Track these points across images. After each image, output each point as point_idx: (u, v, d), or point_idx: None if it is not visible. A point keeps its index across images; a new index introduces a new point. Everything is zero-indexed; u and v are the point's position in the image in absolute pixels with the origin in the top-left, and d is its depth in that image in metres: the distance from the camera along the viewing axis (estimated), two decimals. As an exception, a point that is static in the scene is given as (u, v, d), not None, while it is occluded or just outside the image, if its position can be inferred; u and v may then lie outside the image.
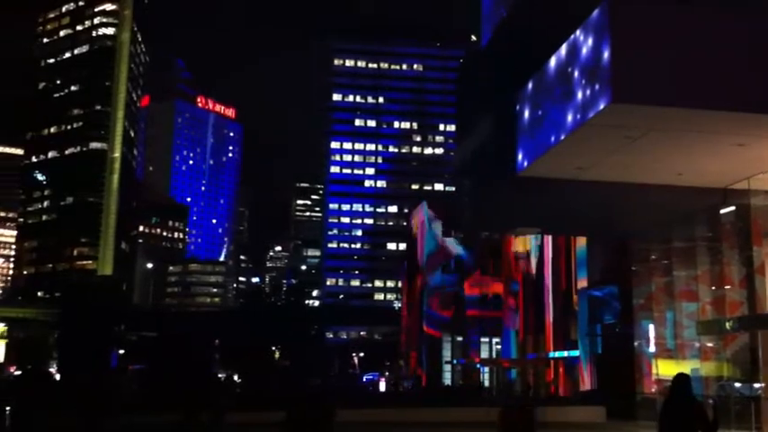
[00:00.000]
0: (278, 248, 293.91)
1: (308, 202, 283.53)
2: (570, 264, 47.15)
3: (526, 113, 23.42)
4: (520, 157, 23.74)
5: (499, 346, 68.49)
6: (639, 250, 35.16)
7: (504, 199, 29.14)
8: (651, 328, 34.19)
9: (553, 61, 21.13)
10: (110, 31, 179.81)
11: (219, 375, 71.18)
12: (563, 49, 20.38)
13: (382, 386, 73.92)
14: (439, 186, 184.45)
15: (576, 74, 19.25)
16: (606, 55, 17.35)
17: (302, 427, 12.22)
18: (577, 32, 19.23)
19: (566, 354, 48.39)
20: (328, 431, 12.30)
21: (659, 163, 22.07)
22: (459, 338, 75.39)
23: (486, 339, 71.13)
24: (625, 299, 36.59)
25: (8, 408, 26.51)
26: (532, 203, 28.22)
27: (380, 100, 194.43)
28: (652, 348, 34.08)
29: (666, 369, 31.73)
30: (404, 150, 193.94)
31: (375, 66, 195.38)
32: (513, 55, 27.27)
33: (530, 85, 23.22)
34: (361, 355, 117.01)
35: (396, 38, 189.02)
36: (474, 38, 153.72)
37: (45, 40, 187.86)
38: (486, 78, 32.80)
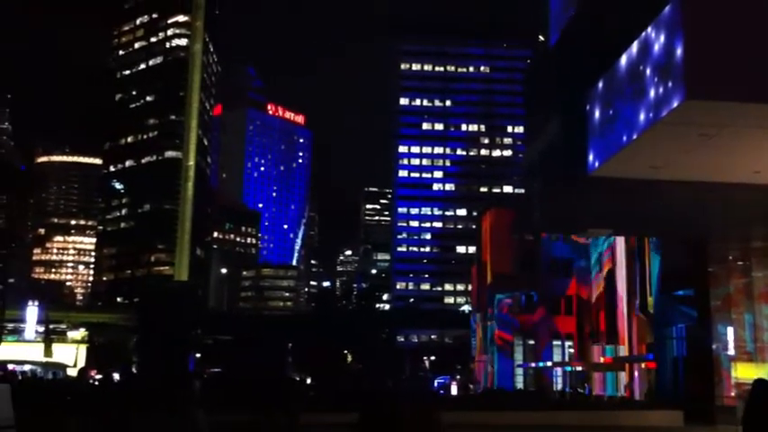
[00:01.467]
0: (348, 252, 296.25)
1: (377, 207, 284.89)
2: (644, 265, 46.23)
3: (597, 113, 23.16)
4: (591, 157, 23.48)
5: (572, 350, 67.62)
6: (716, 251, 34.31)
7: (574, 200, 28.81)
8: (730, 330, 33.33)
9: (624, 59, 20.87)
10: (182, 42, 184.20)
11: (295, 378, 72.08)
12: (634, 47, 20.12)
13: (454, 389, 73.68)
14: (508, 188, 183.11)
15: (648, 71, 18.98)
16: (679, 51, 17.07)
17: (375, 429, 12.24)
18: (649, 29, 18.97)
19: (641, 356, 47.50)
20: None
21: (735, 161, 21.54)
22: (531, 342, 74.71)
23: (559, 342, 70.33)
24: (702, 301, 35.75)
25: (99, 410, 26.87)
26: (603, 204, 27.84)
27: (448, 103, 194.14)
28: (731, 351, 33.23)
29: (746, 372, 30.87)
30: (472, 153, 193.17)
31: (442, 68, 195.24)
32: (583, 54, 26.96)
33: (600, 84, 22.96)
34: (432, 358, 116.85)
35: (462, 40, 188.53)
36: (541, 37, 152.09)
37: (121, 52, 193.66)
38: (555, 78, 32.49)
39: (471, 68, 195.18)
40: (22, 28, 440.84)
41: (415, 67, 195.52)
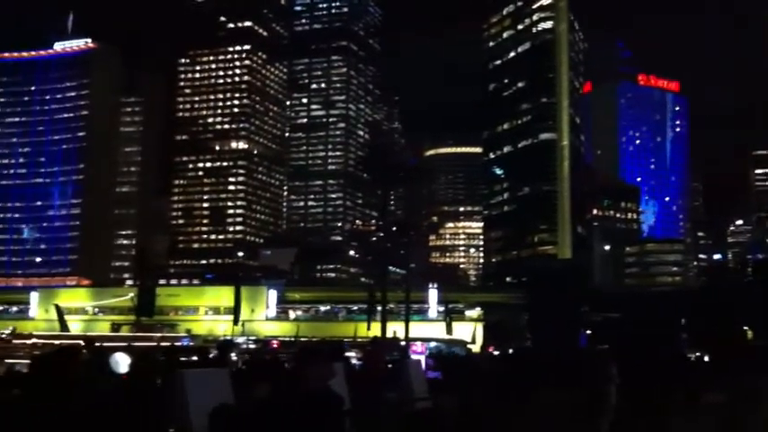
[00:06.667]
0: (739, 222, 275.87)
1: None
2: None
3: None
4: None
5: None
6: None
7: None
8: None
9: None
10: (548, 24, 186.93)
11: (689, 356, 70.60)
12: None
13: None
14: None
15: None
16: None
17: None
18: None
19: None
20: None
21: None
22: None
23: None
24: None
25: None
26: None
27: None
28: None
29: None
30: None
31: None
32: None
33: None
34: None
35: None
36: None
37: (491, 44, 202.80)
38: None
39: None
40: (407, 40, 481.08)
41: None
